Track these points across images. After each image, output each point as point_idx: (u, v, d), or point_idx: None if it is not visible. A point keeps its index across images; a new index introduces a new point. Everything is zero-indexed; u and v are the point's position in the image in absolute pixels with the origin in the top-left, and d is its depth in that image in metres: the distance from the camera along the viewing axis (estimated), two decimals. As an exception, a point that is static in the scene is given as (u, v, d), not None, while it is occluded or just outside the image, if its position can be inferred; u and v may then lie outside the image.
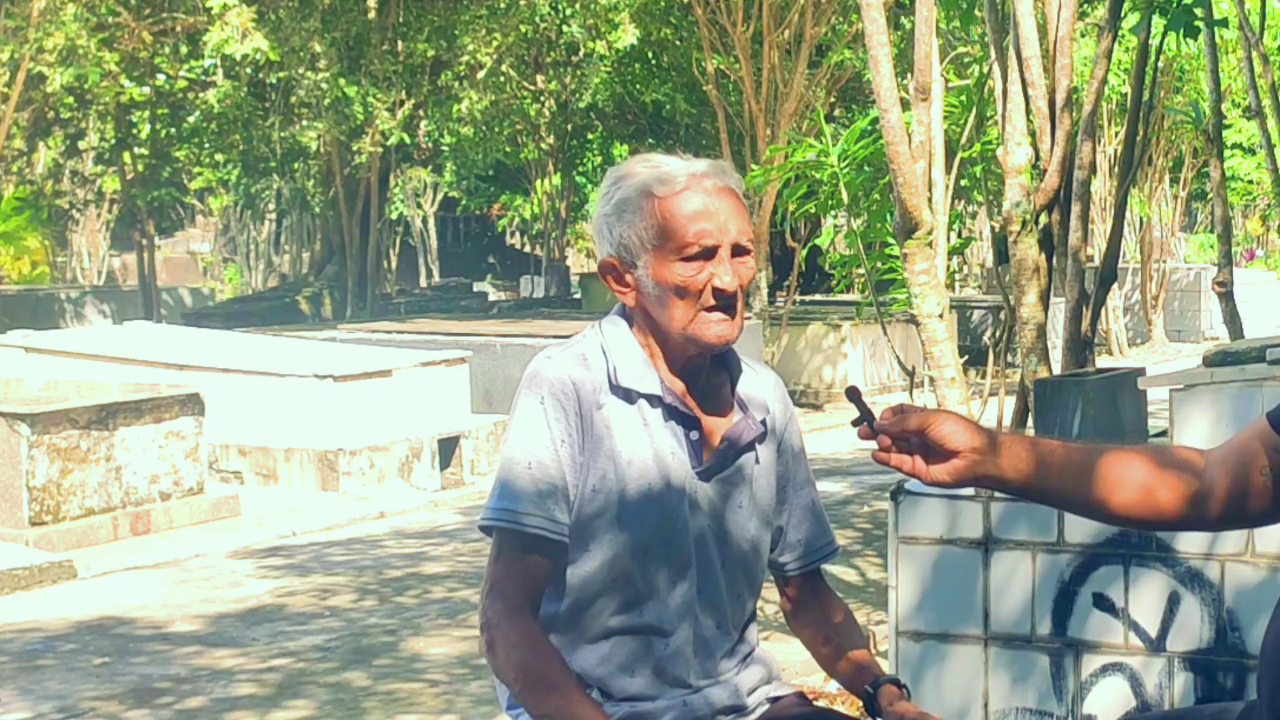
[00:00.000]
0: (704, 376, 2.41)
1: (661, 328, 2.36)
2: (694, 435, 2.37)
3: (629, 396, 2.35)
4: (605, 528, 2.33)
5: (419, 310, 21.77)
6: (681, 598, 2.37)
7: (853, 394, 2.14)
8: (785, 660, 5.81)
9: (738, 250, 2.33)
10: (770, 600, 2.84)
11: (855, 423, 2.12)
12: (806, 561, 2.56)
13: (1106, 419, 4.11)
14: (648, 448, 2.35)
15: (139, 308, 22.32)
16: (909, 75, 6.27)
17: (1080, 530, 3.82)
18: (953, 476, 2.06)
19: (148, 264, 23.10)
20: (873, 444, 2.10)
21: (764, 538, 2.48)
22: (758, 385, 2.48)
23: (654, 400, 2.36)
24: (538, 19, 19.64)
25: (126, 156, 22.51)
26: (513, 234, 37.71)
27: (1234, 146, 22.01)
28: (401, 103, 19.75)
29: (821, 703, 4.80)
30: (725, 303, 2.31)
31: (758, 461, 2.45)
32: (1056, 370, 5.41)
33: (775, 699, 2.51)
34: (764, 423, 2.45)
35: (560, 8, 19.80)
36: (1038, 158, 5.47)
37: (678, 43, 20.22)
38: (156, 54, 20.59)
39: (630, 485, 2.33)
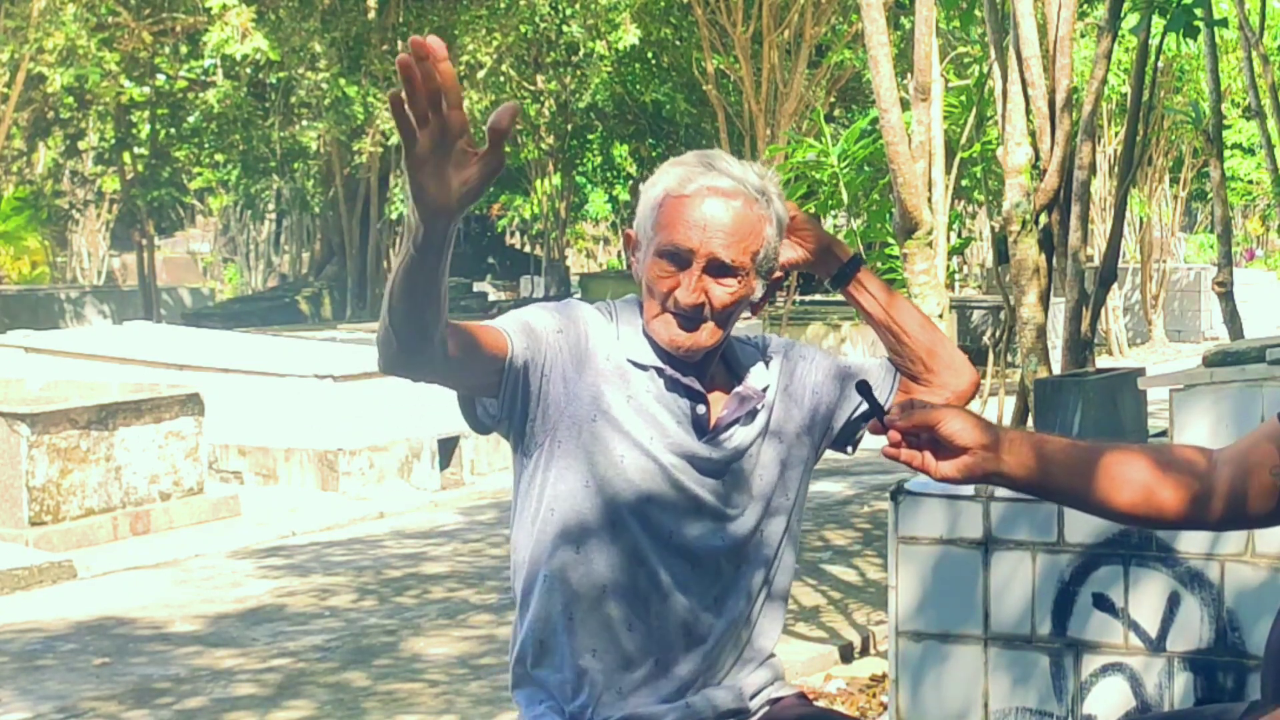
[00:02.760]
0: (703, 353, 2.40)
1: None
2: (700, 409, 2.37)
3: (633, 366, 2.37)
4: (602, 486, 2.33)
5: (419, 310, 21.73)
6: (678, 574, 2.36)
7: (863, 388, 2.14)
8: (784, 660, 5.81)
9: (717, 267, 2.31)
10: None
11: (865, 417, 2.12)
12: (893, 385, 2.52)
13: (1106, 419, 4.12)
14: (649, 414, 2.35)
15: (139, 308, 22.33)
16: (909, 75, 6.27)
17: (1080, 530, 3.83)
18: (961, 472, 2.08)
19: (148, 264, 23.11)
20: (882, 439, 2.11)
21: (770, 520, 2.45)
22: (753, 356, 2.48)
23: (659, 371, 2.37)
24: (538, 19, 19.65)
25: (126, 156, 22.52)
26: (513, 234, 37.71)
27: (1234, 146, 22.01)
28: (401, 103, 19.73)
29: (821, 703, 4.81)
30: (685, 314, 2.32)
31: (764, 432, 2.43)
32: (1056, 370, 5.42)
33: (776, 700, 2.50)
34: (765, 390, 2.44)
35: (560, 8, 19.81)
36: (1038, 158, 5.47)
37: (678, 43, 20.24)
38: (156, 54, 20.60)
39: (630, 446, 2.34)
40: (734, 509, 2.41)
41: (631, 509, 2.34)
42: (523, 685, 2.45)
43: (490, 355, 2.24)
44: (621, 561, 2.35)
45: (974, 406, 2.41)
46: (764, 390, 2.44)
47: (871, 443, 2.16)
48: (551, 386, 2.32)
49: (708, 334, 2.33)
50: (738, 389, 2.42)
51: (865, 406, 2.25)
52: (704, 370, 2.40)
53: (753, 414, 2.42)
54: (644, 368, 2.37)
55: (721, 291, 2.31)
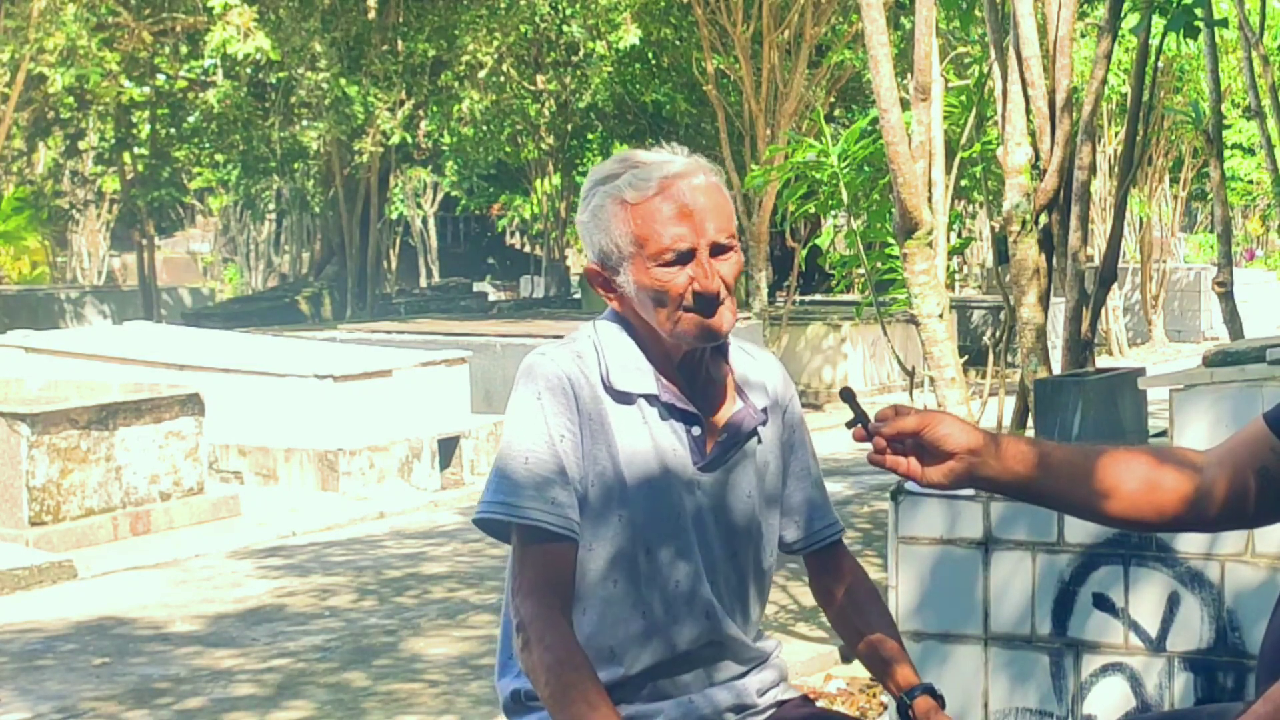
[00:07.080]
0: (703, 370, 2.39)
1: (653, 329, 2.35)
2: (695, 431, 2.36)
3: (625, 397, 2.34)
4: (607, 525, 2.32)
5: (419, 310, 21.77)
6: (688, 594, 2.36)
7: (846, 395, 2.13)
8: (784, 659, 5.81)
9: (717, 249, 2.30)
10: (770, 600, 2.83)
11: (850, 424, 2.11)
12: (810, 542, 2.54)
13: (1106, 419, 4.11)
14: (648, 445, 2.33)
15: (139, 308, 22.33)
16: (909, 75, 6.27)
17: (1080, 530, 3.82)
18: (948, 478, 2.06)
19: (148, 264, 23.11)
20: (868, 445, 2.09)
21: (773, 526, 2.47)
22: (756, 370, 2.46)
23: (652, 399, 2.35)
24: (538, 19, 19.64)
25: (126, 156, 22.52)
26: (512, 234, 37.72)
27: (1234, 146, 21.99)
28: (402, 103, 19.76)
29: (821, 703, 4.81)
30: (708, 303, 2.29)
31: (760, 442, 2.43)
32: (1056, 370, 5.41)
33: (782, 702, 2.50)
34: (765, 410, 2.43)
35: (560, 8, 19.80)
36: (1038, 158, 5.47)
37: (678, 43, 20.22)
38: (156, 54, 20.60)
39: (631, 483, 2.32)
40: (741, 519, 2.41)
41: (644, 539, 2.33)
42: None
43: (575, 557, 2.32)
44: (636, 595, 2.34)
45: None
46: (763, 410, 2.43)
47: (865, 445, 2.15)
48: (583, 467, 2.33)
49: (730, 312, 2.32)
50: (738, 411, 2.40)
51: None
52: (696, 372, 2.39)
53: (751, 434, 2.41)
54: (634, 399, 2.34)
55: (727, 268, 2.31)
